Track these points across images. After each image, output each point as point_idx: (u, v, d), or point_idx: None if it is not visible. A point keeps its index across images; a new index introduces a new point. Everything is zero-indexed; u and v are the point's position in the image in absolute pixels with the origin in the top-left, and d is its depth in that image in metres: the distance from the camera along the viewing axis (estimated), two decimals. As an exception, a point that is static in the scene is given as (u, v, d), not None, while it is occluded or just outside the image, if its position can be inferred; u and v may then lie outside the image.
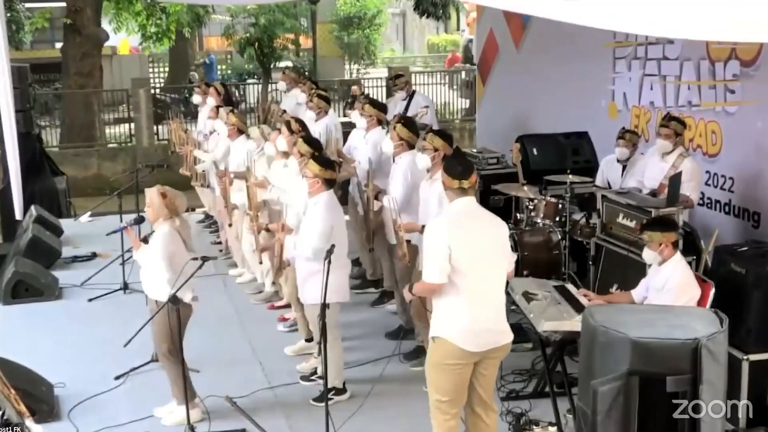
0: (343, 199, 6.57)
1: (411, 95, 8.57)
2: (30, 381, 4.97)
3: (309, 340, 5.52)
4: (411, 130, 5.60)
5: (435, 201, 5.01)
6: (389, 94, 14.72)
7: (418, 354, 5.44)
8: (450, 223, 3.87)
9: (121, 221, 6.32)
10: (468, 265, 3.73)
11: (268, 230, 5.56)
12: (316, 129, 7.09)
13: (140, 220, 5.03)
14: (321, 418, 4.16)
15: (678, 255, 4.44)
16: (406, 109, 8.37)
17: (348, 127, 7.78)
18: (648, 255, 4.47)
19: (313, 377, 5.21)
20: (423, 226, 5.00)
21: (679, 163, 5.79)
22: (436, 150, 5.10)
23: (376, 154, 6.19)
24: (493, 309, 3.84)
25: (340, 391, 4.87)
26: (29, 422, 3.46)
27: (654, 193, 5.74)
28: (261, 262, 6.16)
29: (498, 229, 3.94)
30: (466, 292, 3.73)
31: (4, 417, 3.35)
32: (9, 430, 3.34)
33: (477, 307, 3.76)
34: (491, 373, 3.94)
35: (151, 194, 4.62)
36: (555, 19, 3.68)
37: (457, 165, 3.91)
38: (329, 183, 4.83)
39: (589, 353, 3.41)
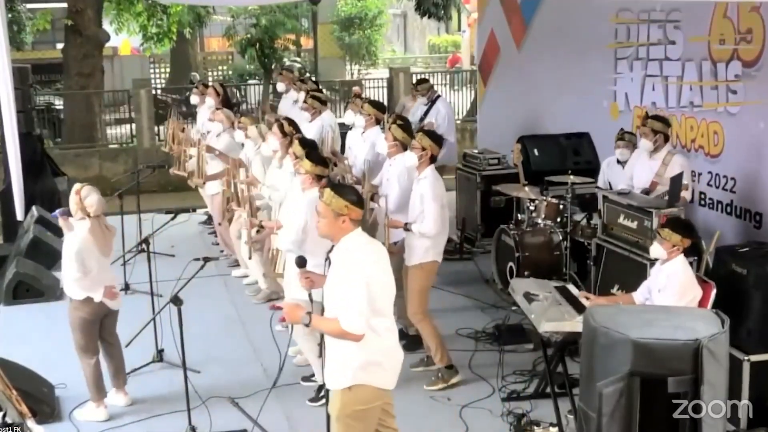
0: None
1: (433, 101, 8.53)
2: (31, 382, 4.98)
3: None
4: (406, 131, 5.62)
5: (418, 200, 5.06)
6: (390, 96, 14.76)
7: (426, 362, 5.44)
8: None
9: (122, 222, 6.34)
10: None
11: (261, 227, 5.60)
12: (312, 130, 7.11)
13: (67, 212, 5.04)
14: (322, 418, 4.16)
15: (681, 256, 4.45)
16: (426, 114, 8.36)
17: (345, 128, 7.80)
18: (656, 250, 4.48)
19: (313, 378, 5.22)
20: (405, 224, 5.10)
21: (669, 160, 5.84)
22: (423, 149, 5.14)
23: (373, 154, 6.22)
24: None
25: None
26: (30, 423, 3.47)
27: (647, 192, 5.77)
28: (250, 258, 6.18)
29: None
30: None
31: (5, 418, 3.35)
32: (10, 430, 3.35)
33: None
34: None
35: (72, 190, 4.79)
36: None
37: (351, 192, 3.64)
38: (320, 179, 4.88)
39: (590, 354, 3.41)
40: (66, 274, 4.76)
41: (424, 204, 5.02)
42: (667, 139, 5.94)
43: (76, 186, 4.81)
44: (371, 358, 3.55)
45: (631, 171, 6.08)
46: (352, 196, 3.59)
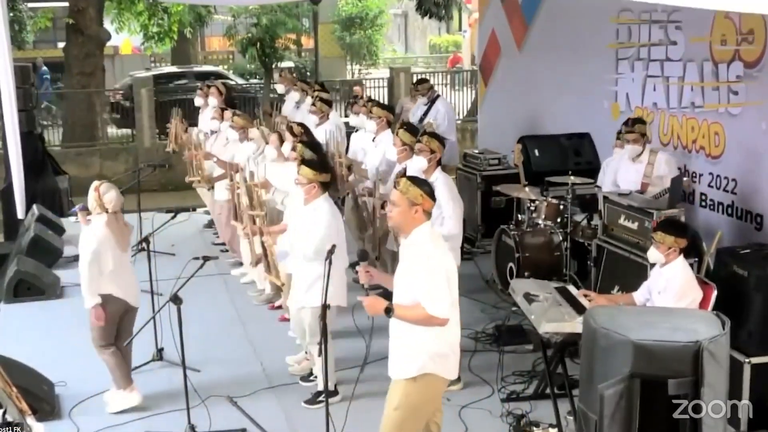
0: (342, 202, 6.57)
1: (433, 101, 8.48)
2: (31, 379, 4.98)
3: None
4: (414, 134, 5.60)
5: None
6: (390, 95, 14.76)
7: None
8: None
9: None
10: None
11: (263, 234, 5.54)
12: (319, 134, 7.09)
13: (87, 207, 5.06)
14: (321, 418, 4.15)
15: (681, 258, 4.43)
16: (426, 114, 8.35)
17: (349, 129, 7.78)
18: (654, 255, 4.47)
19: (312, 378, 5.21)
20: None
21: (654, 159, 5.88)
22: (432, 152, 5.12)
23: (387, 159, 6.17)
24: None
25: (332, 393, 4.86)
26: (30, 420, 3.46)
27: (640, 194, 5.77)
28: (255, 266, 6.14)
29: None
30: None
31: (6, 415, 3.35)
32: (10, 428, 3.34)
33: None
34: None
35: (91, 186, 4.86)
36: None
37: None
38: (325, 186, 4.81)
39: (591, 355, 3.40)
40: (81, 270, 4.77)
41: (441, 206, 4.92)
42: (647, 138, 6.01)
43: (96, 183, 4.90)
44: (441, 349, 3.61)
45: (614, 176, 6.13)
46: (427, 187, 3.66)
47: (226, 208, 7.40)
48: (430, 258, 3.54)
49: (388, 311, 3.54)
